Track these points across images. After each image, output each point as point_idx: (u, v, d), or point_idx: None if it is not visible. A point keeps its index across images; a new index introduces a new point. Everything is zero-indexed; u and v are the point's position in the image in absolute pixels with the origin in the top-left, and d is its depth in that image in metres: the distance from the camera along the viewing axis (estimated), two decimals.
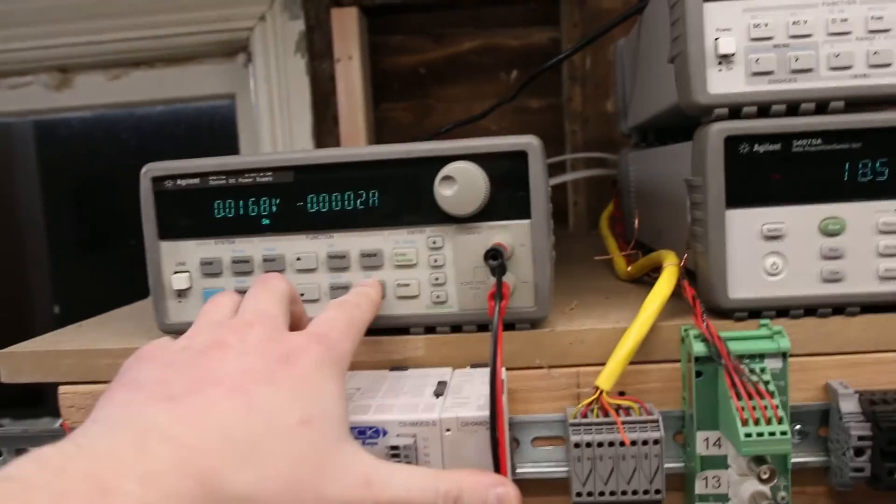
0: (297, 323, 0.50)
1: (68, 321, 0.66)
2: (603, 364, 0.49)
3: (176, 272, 0.54)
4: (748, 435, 0.43)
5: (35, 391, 1.62)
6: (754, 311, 0.51)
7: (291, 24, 1.28)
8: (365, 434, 0.43)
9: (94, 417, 0.36)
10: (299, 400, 0.38)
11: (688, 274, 0.54)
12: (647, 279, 0.67)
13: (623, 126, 0.90)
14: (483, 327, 0.53)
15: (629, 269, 0.68)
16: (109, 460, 0.32)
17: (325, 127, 1.30)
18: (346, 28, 1.25)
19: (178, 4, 1.31)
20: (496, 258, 0.47)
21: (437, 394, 0.46)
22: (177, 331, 0.55)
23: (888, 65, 0.49)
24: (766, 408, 0.44)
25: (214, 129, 1.48)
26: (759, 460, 0.46)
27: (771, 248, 0.51)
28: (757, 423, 0.44)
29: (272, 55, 1.29)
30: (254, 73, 1.33)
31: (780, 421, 0.44)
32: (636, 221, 0.73)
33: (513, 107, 1.10)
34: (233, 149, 1.43)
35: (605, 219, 0.92)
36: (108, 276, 1.59)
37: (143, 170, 0.53)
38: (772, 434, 0.43)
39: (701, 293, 0.52)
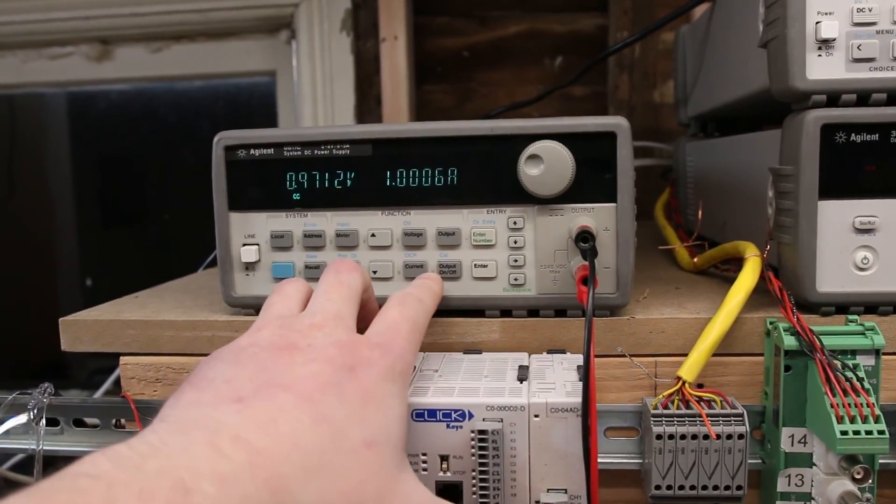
0: (364, 309, 0.49)
1: (100, 294, 0.65)
2: (682, 355, 0.48)
3: (245, 244, 0.53)
4: (844, 433, 0.42)
5: (60, 363, 1.63)
6: (842, 306, 0.50)
7: (337, 1, 1.26)
8: (450, 417, 0.42)
9: (163, 416, 0.35)
10: (365, 418, 0.37)
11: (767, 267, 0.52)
12: (713, 270, 0.66)
13: (682, 115, 0.88)
14: (560, 312, 0.51)
15: (696, 259, 0.66)
16: (184, 459, 0.31)
17: (367, 107, 1.29)
18: (393, 7, 1.23)
19: None
20: (587, 241, 0.45)
21: (521, 378, 0.45)
22: (243, 304, 0.54)
23: None
24: (862, 405, 0.43)
25: (253, 105, 1.47)
26: (851, 460, 0.45)
27: (862, 242, 0.49)
28: (853, 420, 0.42)
29: (316, 33, 1.27)
30: (297, 50, 1.31)
31: (876, 420, 0.42)
32: (700, 213, 0.72)
33: (558, 94, 1.09)
34: (271, 126, 1.42)
35: (660, 208, 0.91)
36: (141, 250, 1.58)
37: (216, 138, 0.52)
38: (868, 433, 0.42)
39: (786, 286, 0.50)
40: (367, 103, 1.28)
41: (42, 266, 1.63)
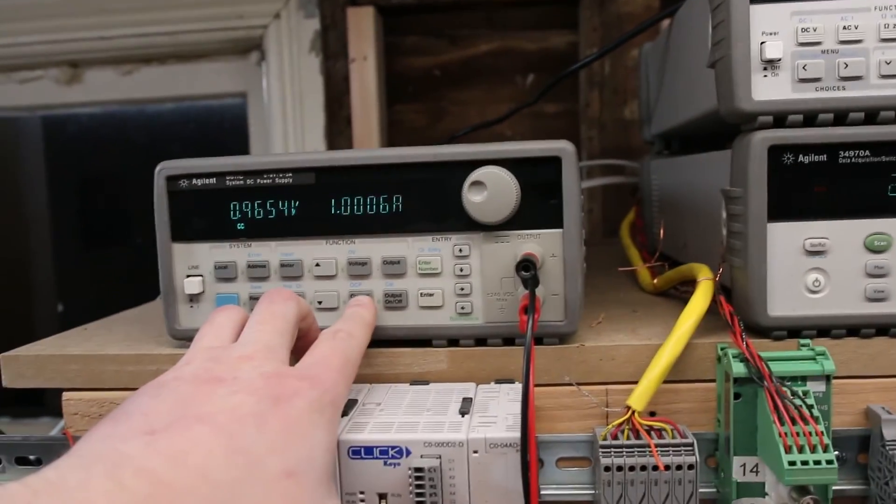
0: (305, 338, 0.48)
1: (72, 319, 0.64)
2: (633, 382, 0.47)
3: (188, 276, 0.52)
4: (792, 463, 0.41)
5: (34, 390, 1.60)
6: (794, 330, 0.49)
7: (306, 22, 1.25)
8: (387, 454, 0.41)
9: (72, 451, 0.34)
10: (286, 447, 0.36)
11: (721, 289, 0.51)
12: (673, 292, 0.65)
13: (646, 133, 0.88)
14: (509, 341, 0.50)
15: (655, 281, 0.65)
16: (80, 494, 0.30)
17: (337, 127, 1.28)
18: (362, 28, 1.23)
19: (192, 1, 1.29)
20: (528, 269, 0.44)
21: (463, 412, 0.44)
22: (187, 337, 0.53)
23: None
24: (810, 434, 0.42)
25: (225, 127, 1.46)
26: (801, 490, 0.44)
27: (813, 264, 0.48)
28: (801, 450, 0.41)
29: (286, 54, 1.27)
30: (267, 71, 1.31)
31: (825, 449, 0.41)
32: (661, 232, 0.71)
33: (529, 111, 1.08)
34: (243, 148, 1.41)
35: (625, 227, 0.90)
36: (113, 275, 1.56)
37: (158, 168, 0.51)
38: (817, 463, 0.41)
39: (737, 310, 0.49)
40: (338, 124, 1.28)
41: (17, 291, 1.61)
